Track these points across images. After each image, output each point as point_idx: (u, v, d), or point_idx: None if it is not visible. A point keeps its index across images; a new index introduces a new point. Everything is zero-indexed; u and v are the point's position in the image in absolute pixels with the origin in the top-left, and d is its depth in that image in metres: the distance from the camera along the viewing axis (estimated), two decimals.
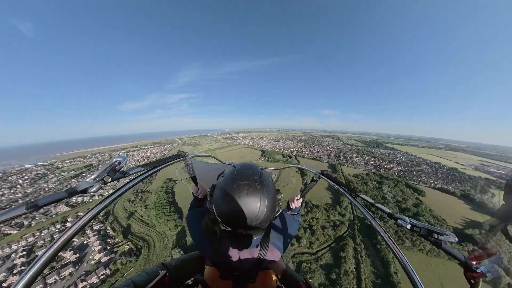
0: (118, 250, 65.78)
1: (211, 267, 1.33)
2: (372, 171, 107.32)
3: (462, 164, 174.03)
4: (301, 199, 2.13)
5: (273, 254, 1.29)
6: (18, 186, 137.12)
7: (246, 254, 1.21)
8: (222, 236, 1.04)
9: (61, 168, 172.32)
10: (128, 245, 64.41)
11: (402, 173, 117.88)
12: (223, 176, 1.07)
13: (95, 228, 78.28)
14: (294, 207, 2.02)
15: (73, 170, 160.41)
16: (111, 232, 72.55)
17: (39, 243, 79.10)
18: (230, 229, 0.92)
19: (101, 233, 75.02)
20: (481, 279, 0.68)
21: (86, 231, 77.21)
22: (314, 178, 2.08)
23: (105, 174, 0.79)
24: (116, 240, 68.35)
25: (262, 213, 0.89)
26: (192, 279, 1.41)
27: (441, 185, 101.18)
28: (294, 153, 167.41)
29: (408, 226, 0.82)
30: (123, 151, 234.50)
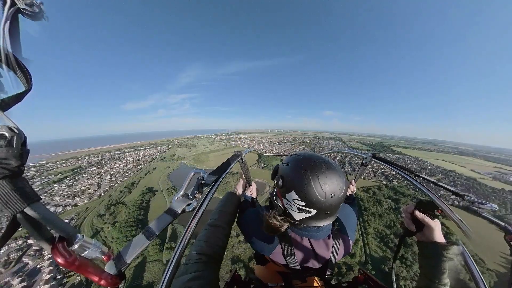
0: (67, 282, 54.06)
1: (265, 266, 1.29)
2: (384, 182, 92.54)
3: (478, 173, 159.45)
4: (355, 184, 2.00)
5: (345, 243, 1.21)
6: None
7: (321, 245, 1.14)
8: (294, 229, 1.06)
9: (50, 170, 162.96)
10: (80, 277, 52.54)
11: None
12: (286, 164, 1.04)
13: None
14: (349, 194, 1.88)
15: (60, 173, 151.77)
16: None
17: None
18: (314, 212, 0.91)
19: None
20: None
21: (43, 252, 65.89)
22: (364, 161, 1.95)
23: (196, 191, 0.91)
24: None
25: (343, 186, 0.91)
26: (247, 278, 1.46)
27: (465, 202, 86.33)
28: None
29: (475, 201, 0.90)
30: (116, 152, 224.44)
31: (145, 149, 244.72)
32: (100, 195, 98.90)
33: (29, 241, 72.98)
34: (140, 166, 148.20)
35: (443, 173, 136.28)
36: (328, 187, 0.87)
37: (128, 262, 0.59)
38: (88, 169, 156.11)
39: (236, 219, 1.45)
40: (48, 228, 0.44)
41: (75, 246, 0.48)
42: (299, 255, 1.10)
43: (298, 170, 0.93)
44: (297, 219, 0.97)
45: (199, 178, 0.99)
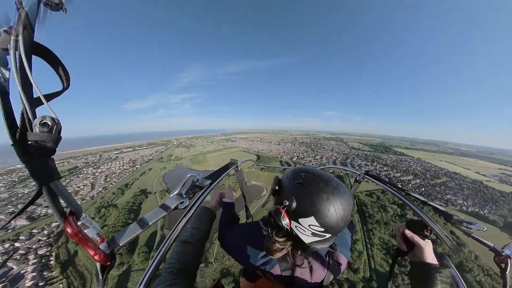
0: None
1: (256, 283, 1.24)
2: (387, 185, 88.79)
3: (484, 175, 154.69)
4: None
5: (340, 261, 1.23)
6: None
7: (318, 264, 1.15)
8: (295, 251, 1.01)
9: None
10: (62, 284, 49.32)
11: (423, 188, 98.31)
12: (299, 183, 0.92)
13: (40, 252, 63.52)
14: None
15: None
16: (53, 261, 57.46)
17: None
18: (328, 236, 0.88)
19: (43, 260, 60.01)
20: (509, 261, 0.77)
21: (28, 256, 62.75)
22: (357, 178, 2.01)
23: (190, 192, 0.97)
24: (54, 273, 53.17)
25: (354, 208, 0.90)
26: None
27: (473, 207, 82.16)
28: (294, 159, 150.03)
29: (464, 221, 0.93)
30: (114, 152, 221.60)
31: (143, 149, 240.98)
32: (93, 196, 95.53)
33: (16, 244, 69.82)
34: (137, 166, 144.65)
35: (447, 175, 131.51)
36: (346, 212, 0.85)
37: (120, 245, 0.67)
38: (84, 169, 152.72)
39: (221, 238, 1.39)
40: (62, 204, 0.52)
41: (79, 223, 0.58)
42: (297, 274, 1.09)
43: (319, 194, 0.84)
44: (306, 242, 0.91)
45: (194, 180, 1.05)
